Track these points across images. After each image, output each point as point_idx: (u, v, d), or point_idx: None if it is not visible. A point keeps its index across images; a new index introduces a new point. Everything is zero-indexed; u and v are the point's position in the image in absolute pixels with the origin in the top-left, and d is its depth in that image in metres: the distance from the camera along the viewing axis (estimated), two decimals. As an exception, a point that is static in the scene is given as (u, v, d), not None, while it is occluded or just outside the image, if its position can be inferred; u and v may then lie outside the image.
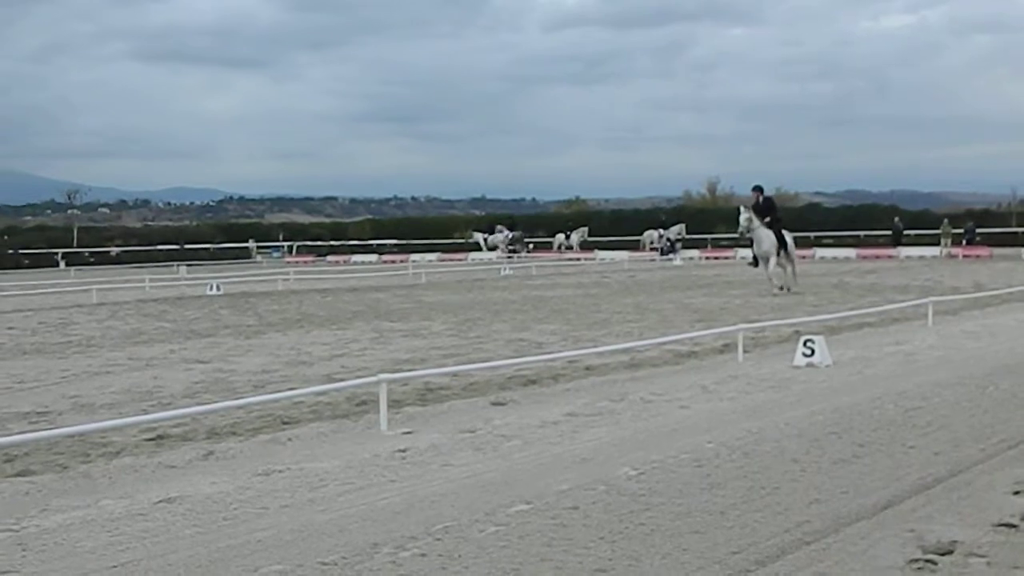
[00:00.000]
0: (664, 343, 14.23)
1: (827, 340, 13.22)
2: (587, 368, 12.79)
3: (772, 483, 7.01)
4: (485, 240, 67.33)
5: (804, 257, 51.56)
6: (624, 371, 12.73)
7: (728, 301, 23.90)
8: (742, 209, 26.77)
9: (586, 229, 67.02)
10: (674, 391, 11.01)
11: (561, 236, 67.40)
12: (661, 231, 61.49)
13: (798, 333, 14.59)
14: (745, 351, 13.72)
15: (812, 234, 57.56)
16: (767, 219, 25.91)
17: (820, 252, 53.01)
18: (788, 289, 25.86)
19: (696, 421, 9.36)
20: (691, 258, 54.05)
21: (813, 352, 12.67)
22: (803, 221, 61.02)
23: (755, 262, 26.40)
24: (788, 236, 26.36)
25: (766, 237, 25.69)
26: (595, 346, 14.22)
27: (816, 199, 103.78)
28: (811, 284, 29.06)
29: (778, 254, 25.78)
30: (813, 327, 15.71)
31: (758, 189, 26.70)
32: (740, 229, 26.57)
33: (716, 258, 54.59)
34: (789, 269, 26.38)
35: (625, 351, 13.81)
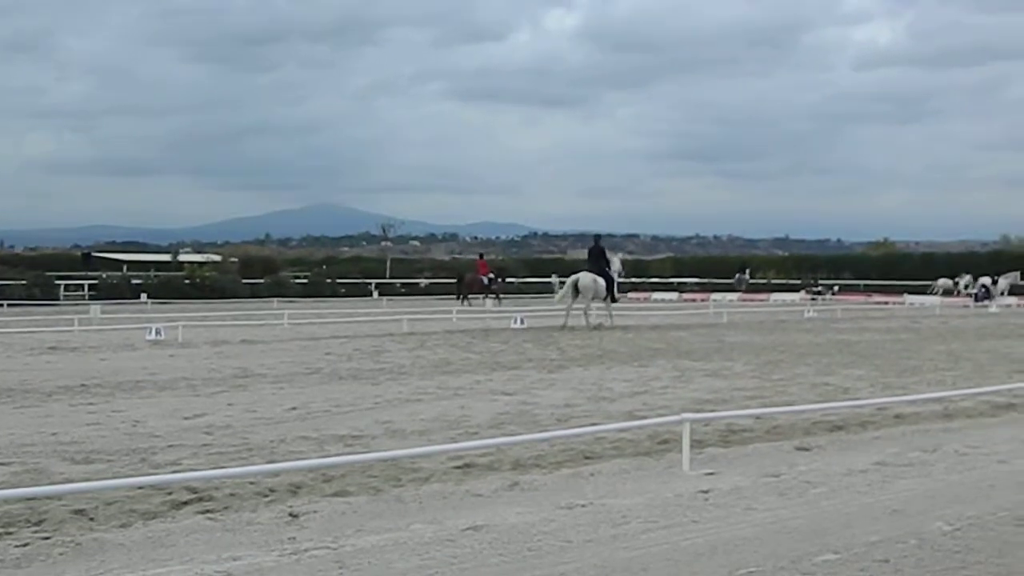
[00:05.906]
0: (980, 393, 13.57)
1: None
2: (897, 416, 12.32)
3: (1103, 548, 6.56)
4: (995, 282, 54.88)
5: None
6: (937, 421, 12.21)
7: (1051, 351, 22.54)
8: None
9: (1017, 273, 55.85)
10: (991, 444, 10.49)
11: (986, 279, 55.55)
12: None
13: None
14: (1071, 405, 12.91)
15: None
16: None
17: None
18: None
19: (1016, 477, 8.88)
20: (1008, 305, 51.27)
21: None
22: None
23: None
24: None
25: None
26: (905, 393, 13.69)
27: None
28: None
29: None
30: None
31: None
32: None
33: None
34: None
35: (938, 400, 13.21)
